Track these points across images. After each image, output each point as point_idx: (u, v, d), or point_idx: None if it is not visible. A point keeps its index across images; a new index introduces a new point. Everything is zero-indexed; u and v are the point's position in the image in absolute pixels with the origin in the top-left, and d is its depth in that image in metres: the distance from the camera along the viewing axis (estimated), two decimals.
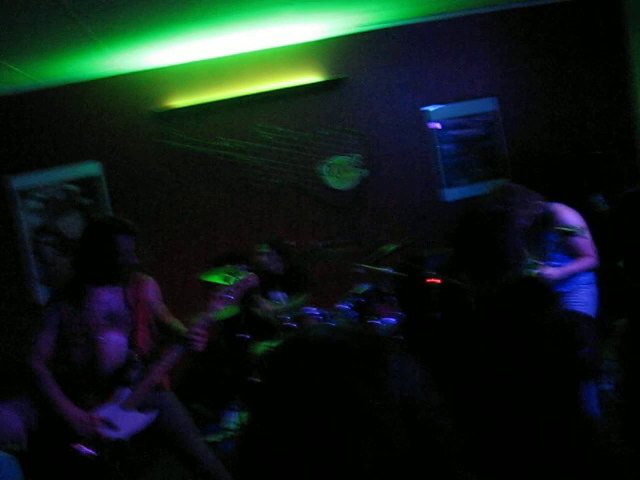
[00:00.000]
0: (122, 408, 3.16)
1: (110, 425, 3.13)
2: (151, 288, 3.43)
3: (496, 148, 6.24)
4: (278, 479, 0.93)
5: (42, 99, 5.59)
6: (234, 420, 5.23)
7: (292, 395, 0.96)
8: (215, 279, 3.37)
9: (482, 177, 6.17)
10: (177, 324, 3.49)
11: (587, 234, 3.89)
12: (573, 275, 3.91)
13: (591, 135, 6.26)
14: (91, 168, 5.67)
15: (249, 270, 3.51)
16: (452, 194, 6.10)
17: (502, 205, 3.92)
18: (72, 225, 5.64)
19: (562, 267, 3.86)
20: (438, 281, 5.00)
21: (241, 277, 3.41)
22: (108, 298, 3.25)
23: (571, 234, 3.74)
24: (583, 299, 3.94)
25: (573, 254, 3.93)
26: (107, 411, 3.14)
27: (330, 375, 0.94)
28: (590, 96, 6.32)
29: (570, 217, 3.94)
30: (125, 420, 3.16)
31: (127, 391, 3.20)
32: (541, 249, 3.95)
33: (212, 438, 5.01)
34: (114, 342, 3.23)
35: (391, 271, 5.19)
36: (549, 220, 3.94)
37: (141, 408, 3.22)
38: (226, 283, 3.38)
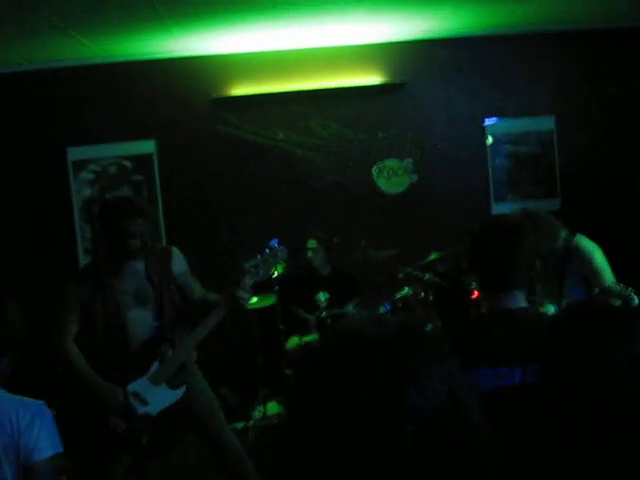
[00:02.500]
0: (152, 382, 3.18)
1: (139, 399, 3.15)
2: (176, 261, 3.40)
3: (549, 167, 6.17)
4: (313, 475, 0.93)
5: (105, 74, 5.67)
6: (260, 409, 5.26)
7: (327, 392, 0.95)
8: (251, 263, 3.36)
9: (532, 195, 6.11)
10: (210, 294, 3.46)
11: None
12: None
13: None
14: (146, 146, 5.75)
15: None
16: (501, 209, 6.04)
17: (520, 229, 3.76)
18: None
19: None
20: (477, 294, 4.97)
21: (271, 252, 3.35)
22: (131, 277, 3.24)
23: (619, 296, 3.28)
24: None
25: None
26: (137, 385, 3.16)
27: (360, 376, 0.93)
28: None
29: (600, 257, 3.69)
30: (154, 395, 3.18)
31: (156, 365, 3.21)
32: (561, 284, 3.79)
33: (237, 425, 5.04)
34: (141, 320, 3.24)
35: (433, 279, 5.17)
36: (577, 257, 3.73)
37: (170, 384, 3.23)
38: (255, 260, 3.35)
